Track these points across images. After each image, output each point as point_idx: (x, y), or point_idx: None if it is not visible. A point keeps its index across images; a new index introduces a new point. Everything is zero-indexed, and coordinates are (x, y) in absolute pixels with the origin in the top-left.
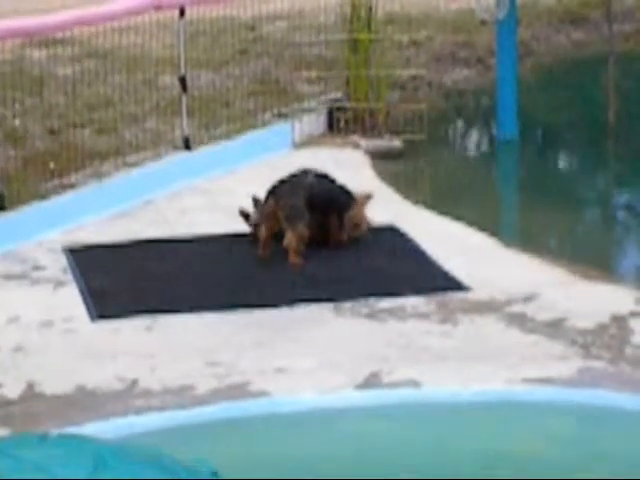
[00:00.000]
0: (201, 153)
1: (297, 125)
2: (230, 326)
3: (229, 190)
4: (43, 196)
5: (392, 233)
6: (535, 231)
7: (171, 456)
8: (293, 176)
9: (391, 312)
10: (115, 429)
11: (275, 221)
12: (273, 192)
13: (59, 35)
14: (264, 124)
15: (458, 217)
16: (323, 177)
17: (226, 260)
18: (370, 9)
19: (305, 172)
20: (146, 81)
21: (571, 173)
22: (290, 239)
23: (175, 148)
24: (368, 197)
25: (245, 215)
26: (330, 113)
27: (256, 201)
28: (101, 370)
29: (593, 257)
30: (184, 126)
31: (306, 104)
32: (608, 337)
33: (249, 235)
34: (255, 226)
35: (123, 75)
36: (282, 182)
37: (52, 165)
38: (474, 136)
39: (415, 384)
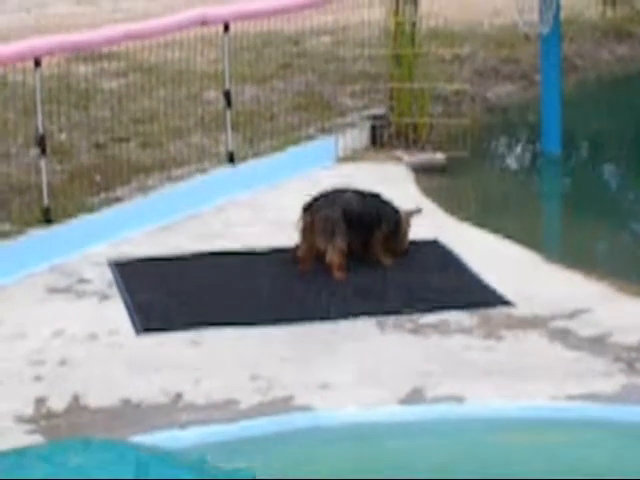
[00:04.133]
0: (245, 167)
1: (341, 139)
2: (274, 340)
3: (273, 204)
4: (89, 210)
5: (435, 248)
6: (579, 246)
7: (211, 463)
8: (328, 193)
9: (435, 327)
10: (159, 442)
11: (311, 235)
12: (308, 208)
13: (105, 50)
14: (308, 138)
15: (501, 232)
16: (364, 194)
17: (270, 274)
18: (414, 24)
19: (342, 190)
20: (191, 95)
21: (615, 188)
22: (331, 256)
23: (219, 162)
24: (411, 213)
25: None
26: (373, 128)
27: None
28: (146, 383)
29: (637, 273)
30: (228, 140)
31: (349, 118)
32: None
33: (289, 251)
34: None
35: (168, 89)
36: (316, 199)
37: (98, 179)
38: (518, 151)
39: (458, 399)
